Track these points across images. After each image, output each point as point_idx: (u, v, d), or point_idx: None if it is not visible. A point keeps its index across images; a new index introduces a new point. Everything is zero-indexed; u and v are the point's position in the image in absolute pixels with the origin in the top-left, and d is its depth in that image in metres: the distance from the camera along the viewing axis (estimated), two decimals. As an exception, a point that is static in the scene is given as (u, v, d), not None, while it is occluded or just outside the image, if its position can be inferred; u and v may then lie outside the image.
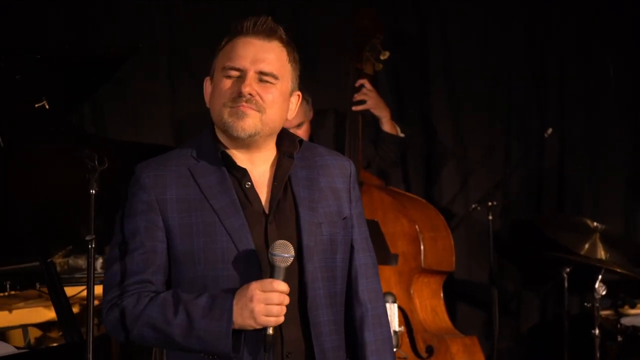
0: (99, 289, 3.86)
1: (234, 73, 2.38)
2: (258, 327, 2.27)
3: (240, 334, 2.29)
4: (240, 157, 2.42)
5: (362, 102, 4.53)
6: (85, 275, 4.03)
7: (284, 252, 2.26)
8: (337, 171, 2.50)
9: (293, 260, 2.29)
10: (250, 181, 2.40)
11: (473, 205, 4.98)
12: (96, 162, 2.56)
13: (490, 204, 4.84)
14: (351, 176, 2.53)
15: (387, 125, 4.62)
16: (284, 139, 2.48)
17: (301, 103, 2.60)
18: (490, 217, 4.84)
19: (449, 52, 5.31)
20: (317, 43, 5.06)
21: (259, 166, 2.44)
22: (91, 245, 2.50)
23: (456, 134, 5.34)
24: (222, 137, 2.43)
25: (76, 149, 3.55)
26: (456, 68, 5.31)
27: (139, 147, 4.13)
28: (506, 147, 5.39)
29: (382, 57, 4.57)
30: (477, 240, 5.13)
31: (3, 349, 3.04)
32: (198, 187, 2.38)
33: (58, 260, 4.29)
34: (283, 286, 2.27)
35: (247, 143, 2.40)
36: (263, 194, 2.41)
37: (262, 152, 2.44)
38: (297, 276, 2.36)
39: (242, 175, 2.40)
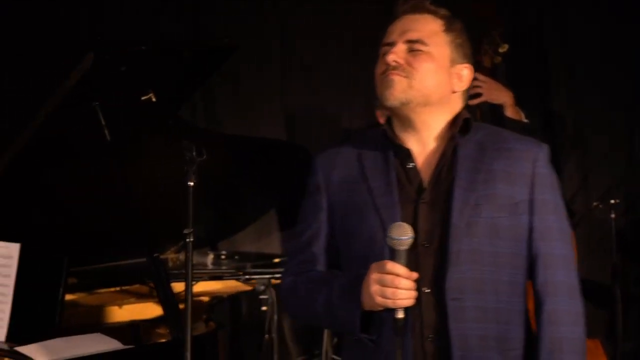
0: (201, 286, 3.93)
1: (386, 49, 2.40)
2: (380, 308, 2.25)
3: (378, 315, 2.28)
4: (407, 138, 2.41)
5: (478, 95, 4.39)
6: (200, 271, 4.08)
7: (400, 235, 2.20)
8: (521, 155, 2.41)
9: (437, 241, 2.28)
10: (414, 161, 2.38)
11: (594, 203, 4.80)
12: (194, 153, 2.51)
13: (612, 201, 4.65)
14: (538, 161, 2.43)
15: (510, 110, 4.43)
16: (460, 119, 2.42)
17: None
18: (613, 216, 4.66)
19: (568, 44, 5.14)
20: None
21: (426, 146, 2.41)
22: (189, 239, 2.46)
23: (577, 129, 5.17)
24: (394, 121, 2.44)
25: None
26: (576, 60, 5.15)
27: (251, 141, 4.11)
28: (630, 141, 5.19)
29: (500, 50, 4.42)
30: (599, 240, 4.95)
31: (109, 345, 3.04)
32: (361, 167, 2.41)
33: (170, 256, 4.31)
34: (399, 269, 2.21)
35: (411, 120, 2.39)
36: (426, 174, 2.38)
37: (431, 131, 2.41)
38: (438, 258, 2.30)
39: (405, 155, 2.39)
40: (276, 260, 4.02)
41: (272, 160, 4.23)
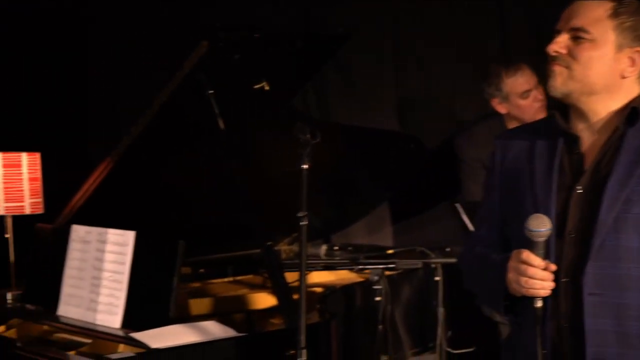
0: (314, 277, 3.92)
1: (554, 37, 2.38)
2: (519, 294, 2.26)
3: (522, 300, 2.29)
4: (578, 125, 2.39)
5: None
6: (313, 261, 4.07)
7: (537, 227, 2.20)
8: None
9: (582, 233, 2.26)
10: (580, 148, 2.36)
11: None
12: (308, 136, 2.49)
13: None
14: None
15: None
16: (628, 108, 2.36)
17: None
18: None
19: None
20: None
21: (595, 134, 2.37)
22: (302, 223, 2.45)
23: None
24: (570, 108, 2.42)
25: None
26: None
27: (364, 131, 4.09)
28: None
29: None
30: None
31: (224, 332, 3.05)
32: (530, 151, 2.42)
33: (283, 247, 4.32)
34: (533, 259, 2.22)
35: (579, 108, 2.37)
36: (588, 162, 2.35)
37: (601, 119, 2.37)
38: (580, 250, 2.27)
39: (572, 142, 2.37)
40: (389, 251, 3.99)
41: (385, 151, 4.19)
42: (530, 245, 2.22)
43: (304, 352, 2.46)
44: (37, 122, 5.33)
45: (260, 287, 4.03)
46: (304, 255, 2.47)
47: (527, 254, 2.22)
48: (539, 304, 2.23)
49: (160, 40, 5.00)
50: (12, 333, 3.48)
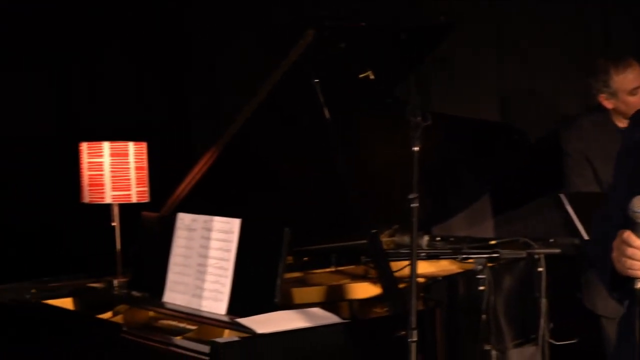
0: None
1: None
2: (623, 274, 2.26)
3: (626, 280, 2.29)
4: None
5: None
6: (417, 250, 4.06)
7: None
8: None
9: None
10: None
11: None
12: (419, 118, 2.49)
13: None
14: None
15: None
16: None
17: None
18: None
19: None
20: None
21: None
22: (413, 204, 2.46)
23: None
24: None
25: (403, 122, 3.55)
26: None
27: (467, 122, 4.06)
28: None
29: None
30: None
31: (329, 319, 3.07)
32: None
33: (384, 239, 4.32)
34: (634, 240, 2.20)
35: None
36: None
37: None
38: None
39: None
40: (492, 242, 3.96)
41: (489, 142, 4.16)
42: (634, 226, 2.21)
43: (415, 332, 2.45)
44: (141, 112, 5.44)
45: (362, 278, 4.05)
46: (415, 236, 2.48)
47: (628, 234, 2.22)
48: (639, 285, 2.23)
49: (261, 29, 5.05)
50: (118, 319, 3.56)
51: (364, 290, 3.79)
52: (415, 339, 2.36)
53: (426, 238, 4.17)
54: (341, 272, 4.15)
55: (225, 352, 2.76)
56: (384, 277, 3.24)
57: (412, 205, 2.50)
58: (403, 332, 2.61)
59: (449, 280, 3.64)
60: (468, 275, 3.71)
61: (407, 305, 3.12)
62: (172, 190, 3.88)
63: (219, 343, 2.79)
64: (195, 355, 2.90)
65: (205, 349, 2.84)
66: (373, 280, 3.85)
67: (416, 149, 2.57)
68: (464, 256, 3.71)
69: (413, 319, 2.42)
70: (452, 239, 4.24)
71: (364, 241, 3.35)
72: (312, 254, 4.12)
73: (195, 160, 3.85)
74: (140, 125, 5.34)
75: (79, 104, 5.29)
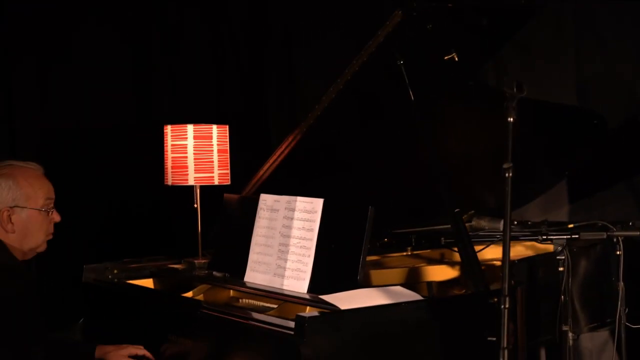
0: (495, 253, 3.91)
1: None
2: None
3: None
4: None
5: None
6: (495, 232, 4.08)
7: None
8: None
9: None
10: None
11: None
12: (515, 89, 2.51)
13: None
14: None
15: None
16: None
17: None
18: None
19: None
20: None
21: None
22: (508, 174, 2.48)
23: None
24: None
25: (485, 106, 3.57)
26: None
27: (544, 106, 4.05)
28: None
29: None
30: None
31: (411, 297, 3.10)
32: None
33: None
34: None
35: None
36: None
37: None
38: None
39: None
40: (569, 225, 3.95)
41: (567, 126, 4.14)
42: None
43: (507, 299, 2.47)
44: (219, 98, 5.50)
45: (438, 262, 4.07)
46: (509, 203, 2.49)
47: None
48: None
49: (342, 13, 5.08)
50: (199, 298, 3.62)
51: (442, 272, 3.82)
52: (507, 305, 2.35)
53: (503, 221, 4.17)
54: (418, 255, 4.18)
55: (310, 326, 2.80)
56: (466, 256, 3.26)
57: (506, 174, 2.51)
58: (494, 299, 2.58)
59: (528, 261, 3.65)
60: (547, 257, 3.71)
61: (488, 284, 3.19)
62: (252, 173, 3.94)
63: (304, 317, 2.83)
64: (280, 329, 2.96)
65: (290, 323, 2.89)
66: (450, 264, 3.88)
67: (511, 119, 2.57)
68: (544, 237, 3.70)
69: (505, 286, 2.42)
70: (529, 222, 4.24)
71: (444, 226, 3.36)
72: (392, 237, 4.15)
73: (273, 145, 3.89)
74: (218, 111, 5.41)
75: (159, 90, 5.37)
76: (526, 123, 3.90)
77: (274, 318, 3.10)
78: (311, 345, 2.80)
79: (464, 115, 3.78)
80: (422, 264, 3.97)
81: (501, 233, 3.94)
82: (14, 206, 3.25)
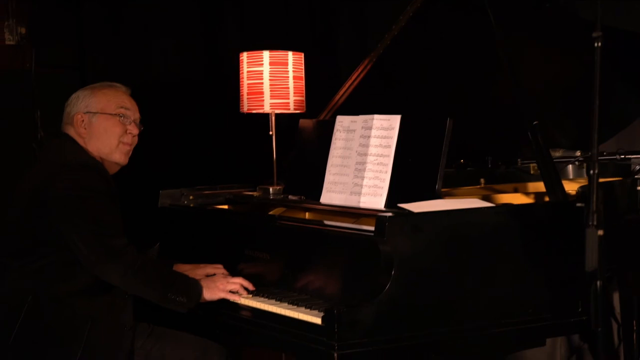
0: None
1: None
2: None
3: None
4: None
5: None
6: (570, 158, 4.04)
7: None
8: None
9: None
10: None
11: None
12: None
13: None
14: None
15: None
16: None
17: None
18: None
19: None
20: None
21: None
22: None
23: None
24: None
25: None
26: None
27: (621, 34, 3.99)
28: None
29: None
30: None
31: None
32: None
33: (532, 164, 4.32)
34: None
35: None
36: None
37: None
38: None
39: None
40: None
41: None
42: None
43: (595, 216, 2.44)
44: (288, 26, 5.53)
45: (513, 192, 4.06)
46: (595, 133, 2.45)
47: None
48: None
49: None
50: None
51: (517, 199, 3.80)
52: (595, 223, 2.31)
53: (579, 152, 4.16)
54: (491, 188, 4.16)
55: (391, 225, 2.83)
56: (545, 167, 3.26)
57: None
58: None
59: (605, 185, 3.62)
60: (623, 182, 3.69)
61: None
62: (325, 102, 3.97)
63: (385, 217, 2.86)
64: (359, 232, 3.00)
65: (369, 229, 2.93)
66: (526, 194, 3.86)
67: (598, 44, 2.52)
68: (622, 156, 3.68)
69: (594, 199, 2.39)
70: (604, 152, 4.19)
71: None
72: (468, 159, 4.14)
73: (343, 75, 3.90)
74: (287, 39, 5.43)
75: (229, 20, 5.42)
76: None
77: (351, 225, 3.13)
78: (391, 244, 2.82)
79: (540, 46, 3.77)
80: (496, 194, 3.96)
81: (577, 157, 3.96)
82: (87, 112, 3.35)
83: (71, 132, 3.37)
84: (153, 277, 3.18)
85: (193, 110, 5.23)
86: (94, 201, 3.16)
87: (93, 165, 3.29)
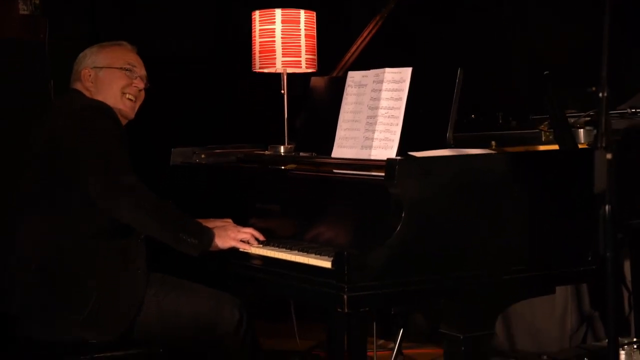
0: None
1: None
2: None
3: None
4: None
5: None
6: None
7: None
8: None
9: None
10: None
11: None
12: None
13: None
14: None
15: None
16: None
17: None
18: None
19: None
20: None
21: None
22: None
23: None
24: None
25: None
26: None
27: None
28: None
29: None
30: None
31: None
32: None
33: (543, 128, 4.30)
34: None
35: None
36: None
37: None
38: None
39: None
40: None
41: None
42: None
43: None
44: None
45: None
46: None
47: None
48: None
49: None
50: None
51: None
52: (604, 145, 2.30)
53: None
54: (502, 150, 4.14)
55: (401, 168, 2.83)
56: (554, 117, 3.27)
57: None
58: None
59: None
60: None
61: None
62: (337, 61, 3.97)
63: (394, 159, 2.87)
64: (368, 177, 3.01)
65: (380, 174, 2.94)
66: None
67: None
68: (633, 110, 3.66)
69: (602, 121, 2.38)
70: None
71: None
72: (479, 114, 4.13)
73: (354, 34, 3.91)
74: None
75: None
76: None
77: (359, 173, 3.14)
78: (401, 187, 2.83)
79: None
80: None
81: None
82: (94, 67, 3.45)
83: (78, 86, 3.45)
84: (165, 216, 3.21)
85: (205, 70, 5.24)
86: (103, 139, 3.20)
87: (101, 107, 3.33)
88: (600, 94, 2.25)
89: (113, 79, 3.44)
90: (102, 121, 3.25)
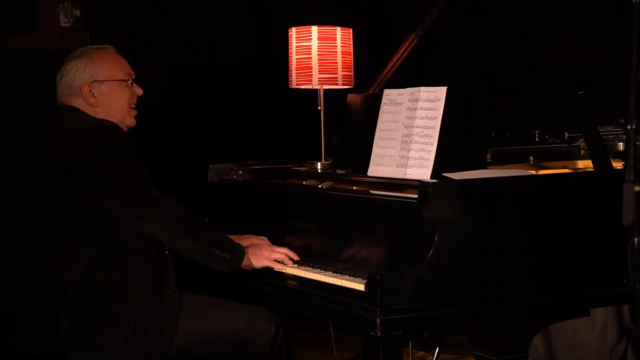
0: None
1: None
2: None
3: None
4: None
5: None
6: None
7: None
8: None
9: None
10: None
11: None
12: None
13: None
14: None
15: None
16: None
17: None
18: None
19: None
20: None
21: None
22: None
23: None
24: None
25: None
26: None
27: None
28: None
29: None
30: None
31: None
32: None
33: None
34: None
35: None
36: None
37: None
38: None
39: None
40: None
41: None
42: None
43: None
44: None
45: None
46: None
47: None
48: None
49: None
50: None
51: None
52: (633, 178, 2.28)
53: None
54: (540, 165, 4.14)
55: (434, 191, 2.84)
56: (589, 137, 3.25)
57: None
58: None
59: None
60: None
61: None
62: (374, 78, 3.98)
63: (427, 182, 2.87)
64: (403, 199, 3.02)
65: (413, 196, 2.94)
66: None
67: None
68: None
69: (631, 153, 2.37)
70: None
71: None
72: (515, 132, 4.12)
73: (392, 51, 3.91)
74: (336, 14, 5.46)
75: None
76: None
77: (396, 194, 3.15)
78: (434, 209, 2.83)
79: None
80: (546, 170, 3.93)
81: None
82: (93, 81, 3.34)
83: (76, 103, 3.34)
84: (196, 229, 3.21)
85: (243, 87, 5.27)
86: (116, 159, 3.16)
87: (108, 126, 3.28)
88: (629, 127, 2.24)
89: (117, 93, 3.37)
90: (112, 141, 3.20)
